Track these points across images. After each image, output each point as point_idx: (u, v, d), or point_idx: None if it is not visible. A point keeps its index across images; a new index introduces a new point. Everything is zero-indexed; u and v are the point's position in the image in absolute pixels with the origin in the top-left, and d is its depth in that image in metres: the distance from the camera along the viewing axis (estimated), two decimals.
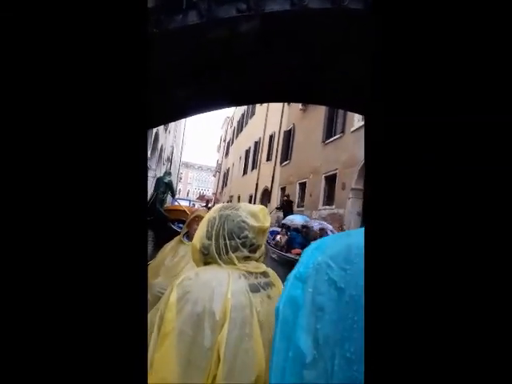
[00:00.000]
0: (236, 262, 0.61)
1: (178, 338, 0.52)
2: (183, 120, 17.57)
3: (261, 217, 0.64)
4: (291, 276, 0.37)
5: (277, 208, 7.55)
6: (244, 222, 0.63)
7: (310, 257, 0.37)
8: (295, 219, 5.84)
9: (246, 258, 0.63)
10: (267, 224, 0.65)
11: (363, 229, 0.37)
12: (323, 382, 0.30)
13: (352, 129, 6.10)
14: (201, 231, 0.65)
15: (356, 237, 0.37)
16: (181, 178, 26.62)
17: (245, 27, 1.88)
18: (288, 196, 7.53)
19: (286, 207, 7.03)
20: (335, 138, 6.82)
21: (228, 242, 0.62)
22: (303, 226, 5.27)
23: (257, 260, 0.65)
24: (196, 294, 0.55)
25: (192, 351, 0.52)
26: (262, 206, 0.68)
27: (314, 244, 0.39)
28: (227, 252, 0.62)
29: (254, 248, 0.63)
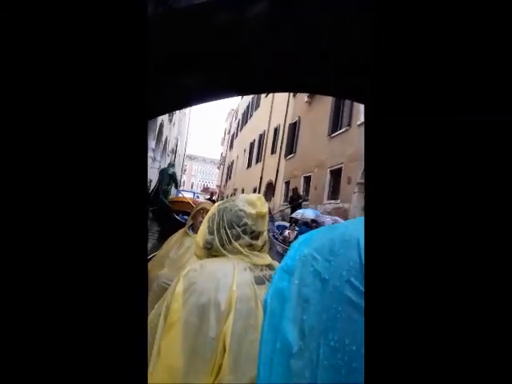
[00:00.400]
0: (241, 249, 0.62)
1: (184, 328, 0.53)
2: (188, 112, 17.50)
3: (258, 204, 0.66)
4: (278, 268, 0.39)
5: (289, 202, 7.43)
6: (241, 210, 0.65)
7: (296, 250, 0.38)
8: (306, 213, 5.70)
9: (250, 246, 0.64)
10: (265, 210, 0.67)
11: (348, 221, 0.38)
12: (309, 371, 0.32)
13: (358, 122, 6.01)
14: (203, 228, 0.67)
15: (341, 229, 0.38)
16: (185, 170, 26.69)
17: (253, 10, 1.82)
18: (296, 189, 7.47)
19: (294, 201, 6.99)
20: (341, 131, 6.74)
21: (229, 231, 0.63)
22: (313, 221, 5.14)
23: (260, 248, 0.66)
24: (202, 285, 0.56)
25: (197, 341, 0.53)
26: (259, 195, 0.70)
27: (301, 237, 0.41)
28: (230, 241, 0.63)
29: (255, 235, 0.65)
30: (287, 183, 9.30)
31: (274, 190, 10.23)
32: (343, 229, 0.37)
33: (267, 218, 0.68)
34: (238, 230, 0.63)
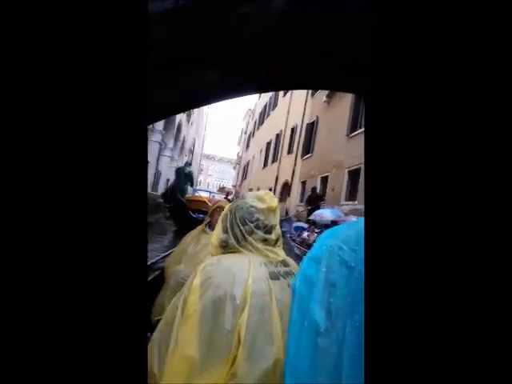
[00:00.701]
0: (255, 244, 0.64)
1: (200, 320, 0.55)
2: (206, 111, 17.68)
3: (267, 199, 0.68)
4: (306, 257, 0.41)
5: (307, 202, 7.28)
6: (252, 206, 0.67)
7: (323, 241, 0.41)
8: (324, 214, 5.48)
9: (264, 241, 0.66)
10: (274, 204, 0.69)
11: None
12: (335, 348, 0.34)
13: None
14: (217, 228, 0.69)
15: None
16: (201, 170, 27.03)
17: (255, 9, 1.77)
18: (315, 189, 7.36)
19: (312, 202, 6.89)
20: (360, 131, 6.59)
21: (242, 228, 0.65)
22: (333, 222, 4.94)
23: (274, 243, 0.67)
24: (218, 279, 0.58)
25: (213, 333, 0.54)
26: (267, 191, 0.73)
27: (327, 231, 0.44)
28: (244, 237, 0.65)
29: (268, 229, 0.67)
30: (303, 183, 9.21)
31: (289, 189, 10.16)
32: None
33: (278, 212, 0.70)
34: (251, 225, 0.65)
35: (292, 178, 10.15)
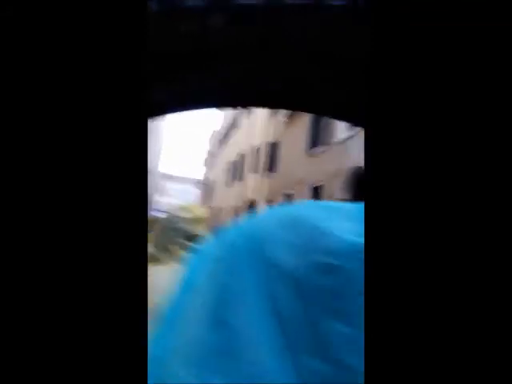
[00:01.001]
0: (176, 252, 0.66)
1: None
2: (163, 129, 17.31)
3: (193, 210, 0.74)
4: (206, 241, 0.53)
5: None
6: (176, 216, 0.73)
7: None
8: None
9: (188, 249, 0.68)
10: (200, 214, 0.74)
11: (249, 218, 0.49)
12: (204, 302, 0.40)
13: (337, 140, 6.19)
14: None
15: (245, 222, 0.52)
16: (159, 190, 26.09)
17: (215, 19, 1.81)
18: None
19: None
20: (320, 149, 6.91)
21: (165, 237, 0.69)
22: None
23: None
24: None
25: None
26: (196, 203, 0.75)
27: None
28: (167, 247, 0.68)
29: (190, 237, 0.70)
30: (269, 201, 9.29)
31: (255, 208, 10.16)
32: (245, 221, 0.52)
33: (204, 222, 0.73)
34: (172, 234, 0.69)
35: (257, 197, 10.20)
